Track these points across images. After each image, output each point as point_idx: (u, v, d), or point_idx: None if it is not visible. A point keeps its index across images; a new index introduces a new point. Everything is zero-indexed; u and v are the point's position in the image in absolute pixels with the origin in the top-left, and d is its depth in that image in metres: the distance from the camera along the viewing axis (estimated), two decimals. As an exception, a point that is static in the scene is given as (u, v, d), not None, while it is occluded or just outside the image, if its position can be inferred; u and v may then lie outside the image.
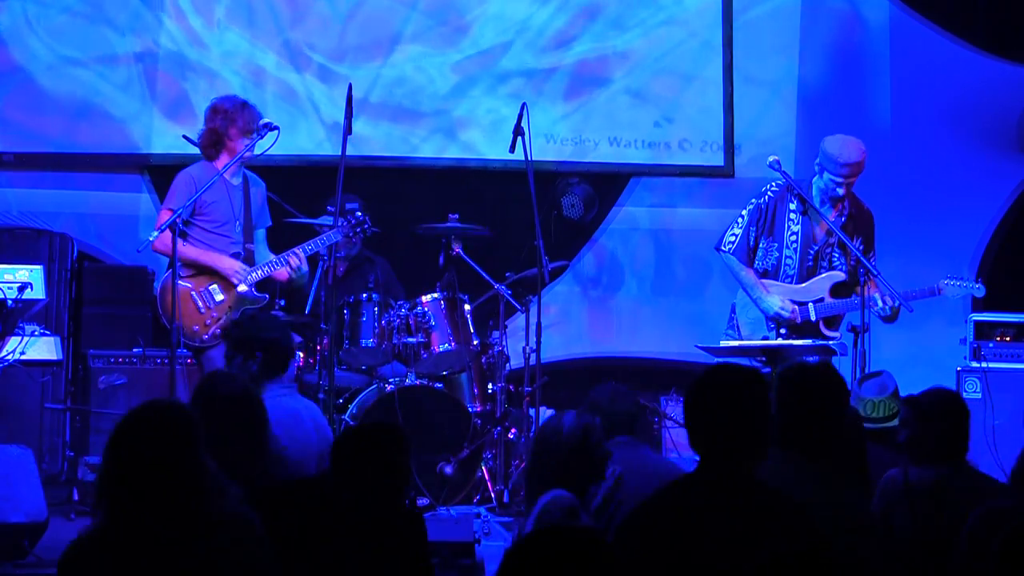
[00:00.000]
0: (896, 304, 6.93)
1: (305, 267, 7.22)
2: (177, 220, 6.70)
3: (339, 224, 7.19)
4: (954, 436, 4.70)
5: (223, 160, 7.12)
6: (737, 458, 3.54)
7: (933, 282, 7.15)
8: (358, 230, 7.28)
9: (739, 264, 7.13)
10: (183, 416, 3.44)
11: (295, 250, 7.15)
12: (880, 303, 6.90)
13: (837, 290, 7.13)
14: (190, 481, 3.37)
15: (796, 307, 7.04)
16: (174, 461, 3.35)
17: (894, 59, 9.13)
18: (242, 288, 7.08)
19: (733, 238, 7.12)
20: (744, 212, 7.14)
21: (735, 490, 3.51)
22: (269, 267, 7.13)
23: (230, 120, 7.10)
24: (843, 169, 6.95)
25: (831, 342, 7.04)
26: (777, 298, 7.06)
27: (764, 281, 7.12)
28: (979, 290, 7.29)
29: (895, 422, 5.40)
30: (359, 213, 7.36)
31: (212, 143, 7.12)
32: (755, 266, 7.15)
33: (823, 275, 7.14)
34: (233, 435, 4.35)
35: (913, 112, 9.14)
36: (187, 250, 6.97)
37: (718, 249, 7.20)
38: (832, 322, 7.16)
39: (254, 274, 7.10)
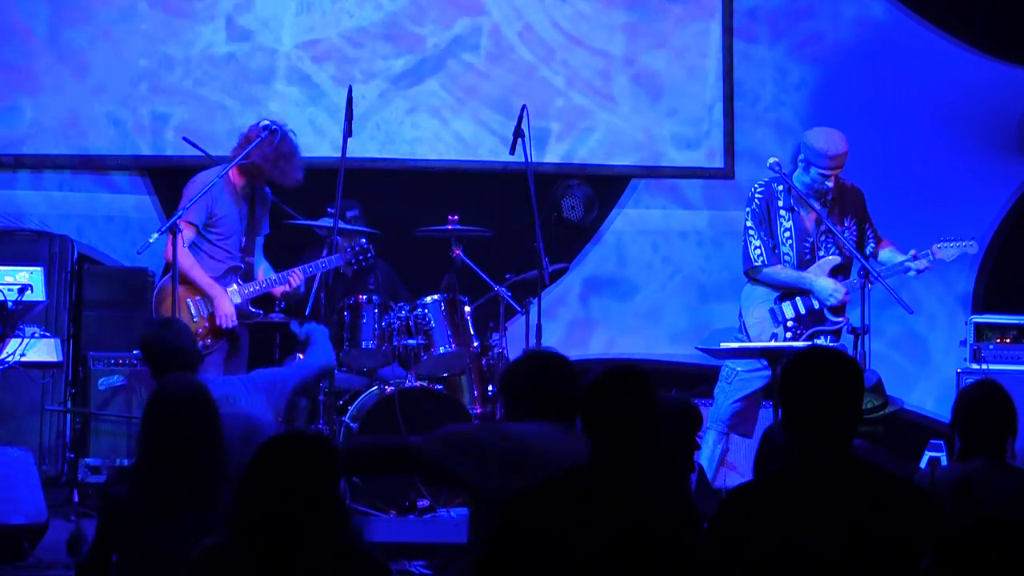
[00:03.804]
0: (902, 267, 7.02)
1: (303, 288, 7.25)
2: (176, 224, 6.70)
3: (337, 255, 7.20)
4: (988, 431, 4.62)
5: (242, 179, 7.13)
6: (838, 437, 3.53)
7: (925, 247, 7.22)
8: (360, 258, 7.30)
9: (775, 269, 7.14)
10: (326, 448, 3.46)
11: (295, 270, 7.18)
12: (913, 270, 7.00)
13: (835, 273, 7.17)
14: (324, 512, 3.38)
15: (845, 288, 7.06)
16: (313, 492, 3.37)
17: (893, 61, 9.13)
18: (236, 300, 7.11)
19: (758, 251, 7.13)
20: (748, 223, 7.16)
21: (839, 469, 3.50)
22: (267, 284, 7.16)
23: (275, 161, 7.10)
24: (831, 162, 7.01)
25: (834, 339, 7.05)
26: (829, 281, 7.07)
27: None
28: (972, 247, 7.33)
29: (882, 413, 5.36)
30: (363, 240, 7.36)
31: (251, 172, 7.12)
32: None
33: (820, 260, 7.17)
34: (185, 434, 4.40)
35: (912, 114, 9.13)
36: (195, 271, 6.98)
37: (749, 272, 7.19)
38: (837, 308, 7.18)
39: (248, 289, 7.13)
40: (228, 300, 7.05)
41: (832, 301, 7.04)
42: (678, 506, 3.83)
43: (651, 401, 3.77)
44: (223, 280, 7.12)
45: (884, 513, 3.42)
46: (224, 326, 7.03)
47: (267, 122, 7.17)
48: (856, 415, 3.56)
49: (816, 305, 7.14)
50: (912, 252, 7.06)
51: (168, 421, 4.41)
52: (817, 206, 7.08)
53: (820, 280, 7.09)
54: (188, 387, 4.58)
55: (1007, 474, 4.53)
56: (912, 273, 7.07)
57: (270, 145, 7.10)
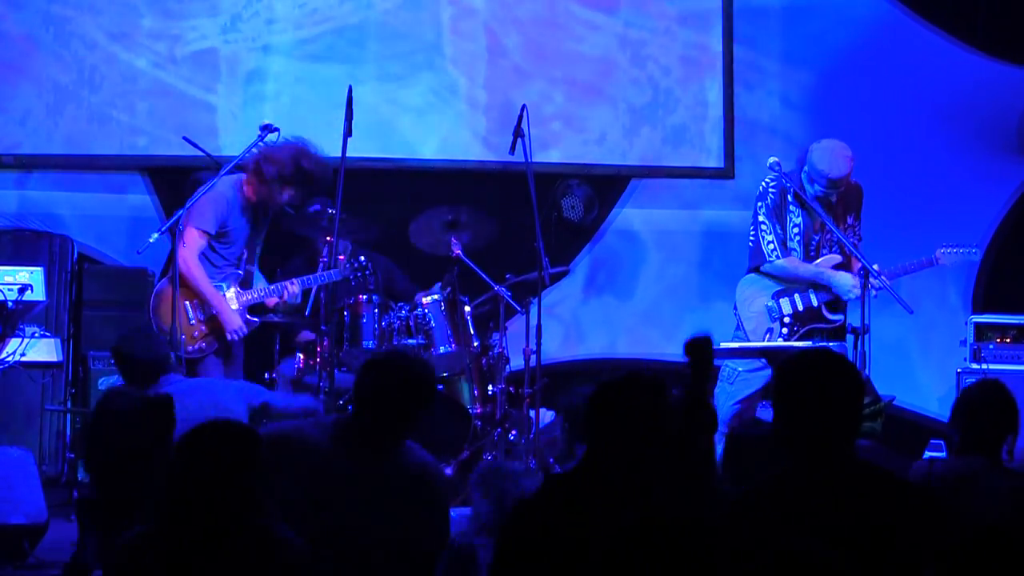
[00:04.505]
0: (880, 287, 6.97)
1: (299, 299, 7.28)
2: (175, 227, 6.72)
3: (335, 270, 7.22)
4: (988, 429, 4.63)
5: (252, 186, 7.16)
6: (839, 439, 3.50)
7: (929, 253, 7.22)
8: (358, 274, 7.33)
9: (792, 263, 7.15)
10: (247, 437, 3.58)
11: (292, 280, 7.23)
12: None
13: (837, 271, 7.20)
14: (246, 498, 3.49)
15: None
16: (237, 479, 3.48)
17: (892, 61, 9.13)
18: (233, 306, 7.14)
19: (772, 246, 7.14)
20: (762, 218, 7.17)
21: (841, 471, 3.46)
22: (265, 293, 7.21)
23: (287, 186, 7.14)
24: (831, 184, 7.04)
25: (832, 345, 7.05)
26: (848, 276, 7.06)
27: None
28: (976, 255, 7.35)
29: (872, 409, 5.34)
30: (362, 258, 7.39)
31: (260, 184, 7.15)
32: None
33: (822, 258, 7.19)
34: (129, 446, 4.43)
35: (912, 114, 9.13)
36: (201, 279, 7.02)
37: (762, 266, 7.18)
38: (834, 305, 7.18)
39: (245, 297, 7.17)
40: (235, 315, 7.10)
41: (852, 296, 7.03)
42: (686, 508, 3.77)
43: (653, 414, 3.68)
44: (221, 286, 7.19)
45: (887, 514, 3.40)
46: (234, 339, 7.09)
47: (267, 121, 7.18)
48: (856, 416, 3.54)
49: (815, 302, 7.15)
50: (874, 267, 7.01)
51: (108, 437, 4.45)
52: (822, 211, 7.09)
53: (839, 275, 7.11)
54: (128, 403, 4.61)
55: (1002, 474, 4.54)
56: (874, 292, 7.00)
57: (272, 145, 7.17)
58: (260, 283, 7.38)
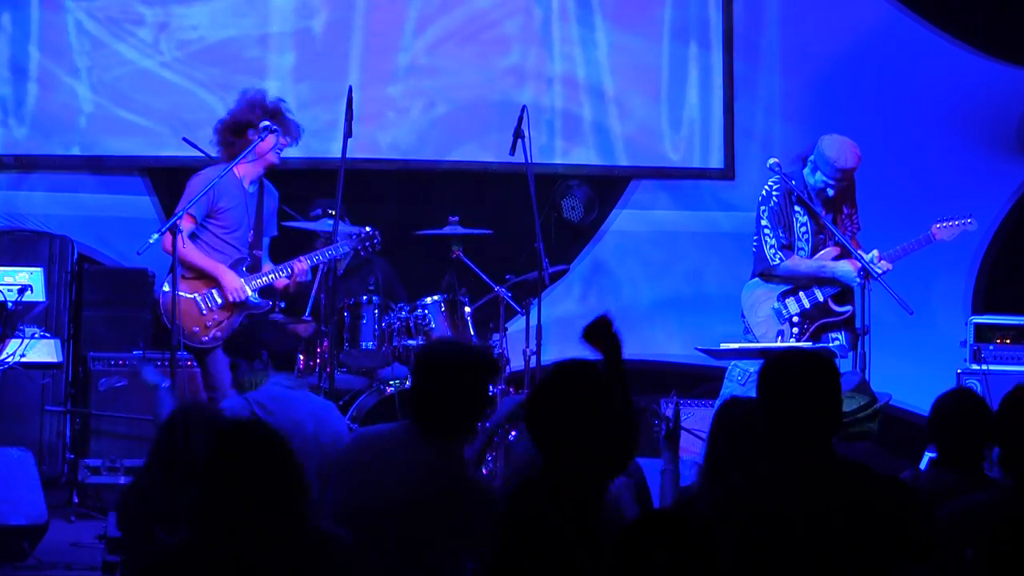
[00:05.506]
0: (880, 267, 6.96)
1: (309, 276, 7.25)
2: (177, 222, 6.71)
3: (343, 242, 7.18)
4: (964, 442, 4.58)
5: (248, 172, 7.14)
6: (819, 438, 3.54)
7: (924, 230, 7.23)
8: (367, 244, 7.29)
9: (792, 262, 7.14)
10: (279, 438, 3.49)
11: (300, 257, 7.18)
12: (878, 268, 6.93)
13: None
14: (285, 499, 3.41)
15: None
16: (275, 482, 3.40)
17: (893, 61, 9.13)
18: (245, 292, 7.12)
19: (773, 250, 7.13)
20: (764, 222, 7.14)
21: (822, 470, 3.51)
22: (274, 274, 7.15)
23: (259, 117, 7.12)
24: (837, 173, 7.02)
25: (833, 343, 7.04)
26: (849, 264, 7.06)
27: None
28: (972, 224, 7.34)
29: (870, 411, 5.33)
30: (368, 228, 7.35)
31: (233, 131, 7.12)
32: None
33: (819, 253, 7.20)
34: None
35: (912, 114, 9.14)
36: (194, 256, 6.98)
37: (767, 270, 7.17)
38: (841, 297, 7.18)
39: (256, 281, 7.12)
40: (233, 275, 7.05)
41: (857, 282, 7.03)
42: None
43: (589, 400, 3.69)
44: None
45: (869, 512, 3.44)
46: (235, 299, 7.03)
47: (266, 122, 7.15)
48: (835, 415, 3.59)
49: (820, 297, 7.15)
50: (875, 252, 7.00)
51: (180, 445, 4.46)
52: (820, 207, 7.09)
53: (840, 265, 7.10)
54: (202, 415, 4.61)
55: (981, 486, 4.48)
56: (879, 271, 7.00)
57: (271, 145, 7.12)
58: (268, 266, 7.33)
